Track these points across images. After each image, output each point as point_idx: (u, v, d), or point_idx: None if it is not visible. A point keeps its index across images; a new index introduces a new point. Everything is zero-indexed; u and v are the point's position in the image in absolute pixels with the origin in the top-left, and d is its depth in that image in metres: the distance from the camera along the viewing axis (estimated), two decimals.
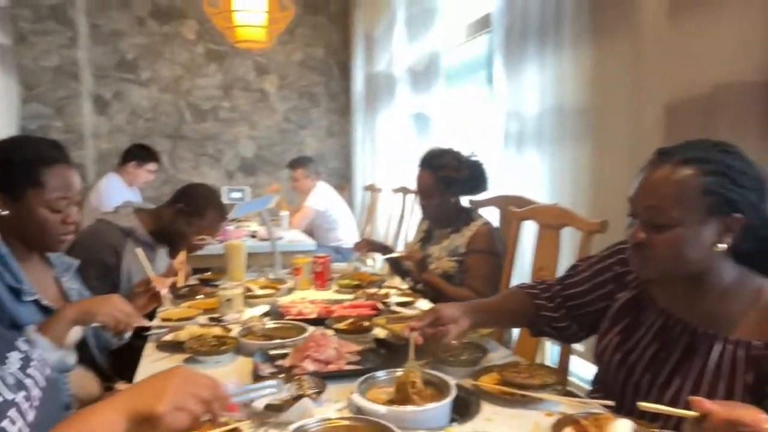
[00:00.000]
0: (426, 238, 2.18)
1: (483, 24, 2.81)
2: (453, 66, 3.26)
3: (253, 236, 3.38)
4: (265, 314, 1.69)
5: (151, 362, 1.34)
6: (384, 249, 2.30)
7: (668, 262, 0.96)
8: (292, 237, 3.48)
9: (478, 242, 1.98)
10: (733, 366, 0.91)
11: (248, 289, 1.91)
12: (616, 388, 1.07)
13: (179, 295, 1.88)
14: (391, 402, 1.03)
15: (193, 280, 2.12)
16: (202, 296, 1.94)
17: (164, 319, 1.62)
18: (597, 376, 1.20)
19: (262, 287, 2.00)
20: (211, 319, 1.66)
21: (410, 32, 3.48)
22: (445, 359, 1.25)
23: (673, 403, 0.91)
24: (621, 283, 1.15)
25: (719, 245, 0.94)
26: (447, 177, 2.02)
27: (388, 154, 3.97)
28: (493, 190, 2.16)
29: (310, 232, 3.86)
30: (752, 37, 1.32)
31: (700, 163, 0.93)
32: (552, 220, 1.74)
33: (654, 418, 0.90)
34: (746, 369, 0.90)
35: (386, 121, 4.01)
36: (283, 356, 1.29)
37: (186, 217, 2.01)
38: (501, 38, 2.36)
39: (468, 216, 2.07)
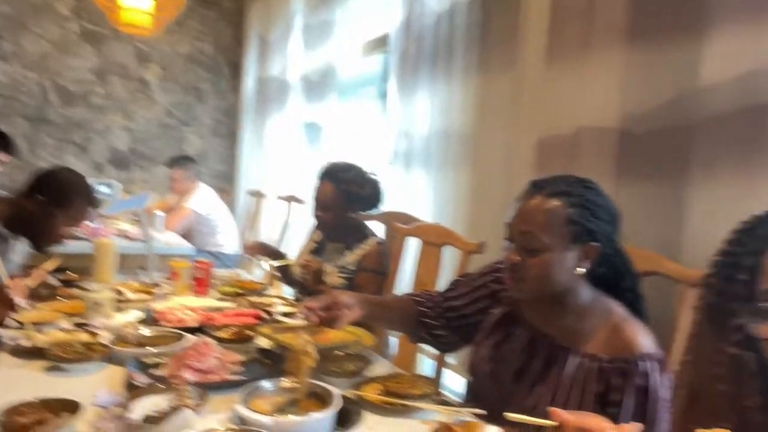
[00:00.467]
0: (318, 249, 2.17)
1: (380, 43, 2.91)
2: (348, 79, 3.32)
3: (124, 236, 3.15)
4: (140, 321, 1.59)
5: (8, 369, 1.21)
6: (275, 254, 2.25)
7: (539, 283, 1.07)
8: (168, 239, 3.29)
9: (368, 261, 1.99)
10: (585, 377, 1.04)
11: (119, 293, 1.79)
12: (486, 398, 1.15)
13: (38, 296, 1.70)
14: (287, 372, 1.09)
15: (53, 281, 1.93)
16: (64, 299, 1.77)
17: (20, 323, 1.46)
18: (469, 386, 1.30)
19: (135, 291, 1.88)
20: (77, 325, 1.52)
21: (307, 41, 3.49)
22: (330, 370, 1.27)
23: (534, 411, 1.01)
24: (496, 299, 1.26)
25: (579, 269, 1.07)
26: (350, 192, 2.00)
27: (276, 161, 3.92)
28: None
29: (186, 235, 3.66)
30: (611, 91, 1.52)
31: (566, 196, 1.06)
32: (435, 239, 1.84)
33: (520, 426, 1.00)
34: (596, 380, 1.02)
35: (276, 127, 3.96)
36: (160, 365, 1.23)
37: (49, 207, 1.79)
38: (397, 59, 2.46)
39: (362, 234, 2.06)
